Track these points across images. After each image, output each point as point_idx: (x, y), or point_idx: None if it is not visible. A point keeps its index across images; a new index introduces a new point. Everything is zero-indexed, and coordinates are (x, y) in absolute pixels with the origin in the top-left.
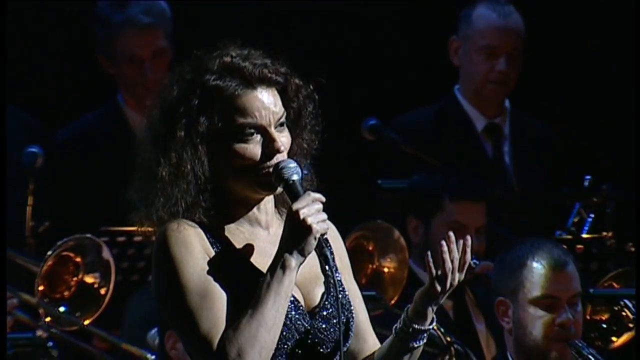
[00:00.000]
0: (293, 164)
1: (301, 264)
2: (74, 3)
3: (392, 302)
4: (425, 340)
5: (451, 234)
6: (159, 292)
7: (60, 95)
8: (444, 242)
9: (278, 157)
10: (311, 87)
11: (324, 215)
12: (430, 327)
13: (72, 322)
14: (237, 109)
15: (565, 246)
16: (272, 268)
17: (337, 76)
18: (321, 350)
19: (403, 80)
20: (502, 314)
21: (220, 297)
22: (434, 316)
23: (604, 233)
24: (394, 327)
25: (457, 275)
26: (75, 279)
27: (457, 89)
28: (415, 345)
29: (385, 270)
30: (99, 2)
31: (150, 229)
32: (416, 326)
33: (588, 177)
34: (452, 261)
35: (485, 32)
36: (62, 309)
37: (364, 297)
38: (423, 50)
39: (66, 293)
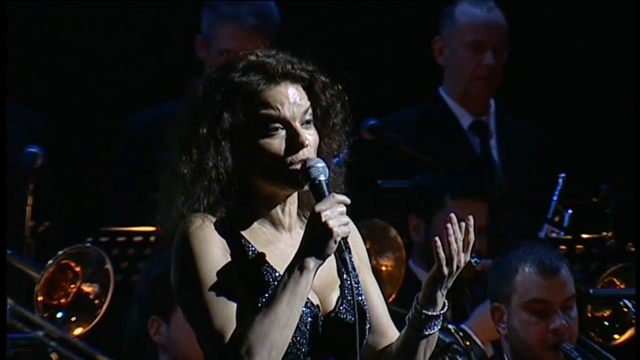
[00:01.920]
0: (321, 164)
1: (320, 265)
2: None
3: (390, 300)
4: (439, 326)
5: (452, 215)
6: (176, 284)
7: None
8: (448, 225)
9: (304, 152)
10: (339, 86)
11: (346, 219)
12: (442, 311)
13: (61, 334)
14: (260, 104)
15: (564, 247)
16: (290, 268)
17: (336, 75)
18: (336, 354)
19: (403, 80)
20: (497, 320)
21: (235, 295)
22: (445, 301)
23: (604, 233)
24: (406, 317)
25: (462, 256)
26: (73, 287)
27: (442, 89)
28: (429, 333)
29: (383, 268)
30: None
31: (168, 228)
32: (427, 312)
33: (562, 175)
34: (456, 241)
35: (471, 27)
36: (59, 314)
37: None
38: (422, 50)
39: (63, 300)
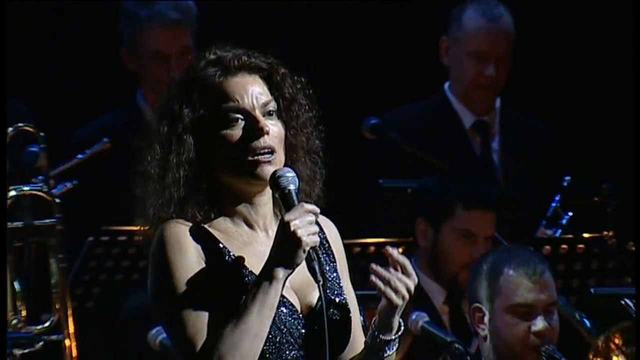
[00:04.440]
0: (291, 174)
1: (289, 275)
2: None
3: None
4: (395, 349)
5: (373, 265)
6: (151, 291)
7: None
8: (375, 280)
9: (265, 140)
10: (303, 78)
11: (315, 228)
12: (397, 335)
13: None
14: (219, 96)
15: (565, 246)
16: (260, 278)
17: (337, 75)
18: (318, 353)
19: (404, 79)
20: (477, 321)
21: (209, 303)
22: (401, 321)
23: (605, 232)
24: (364, 341)
25: (405, 281)
26: None
27: (448, 86)
28: (385, 355)
29: None
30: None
31: (148, 228)
32: (382, 337)
33: (567, 177)
34: (397, 280)
35: (475, 37)
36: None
37: (367, 296)
38: (422, 48)
39: None
